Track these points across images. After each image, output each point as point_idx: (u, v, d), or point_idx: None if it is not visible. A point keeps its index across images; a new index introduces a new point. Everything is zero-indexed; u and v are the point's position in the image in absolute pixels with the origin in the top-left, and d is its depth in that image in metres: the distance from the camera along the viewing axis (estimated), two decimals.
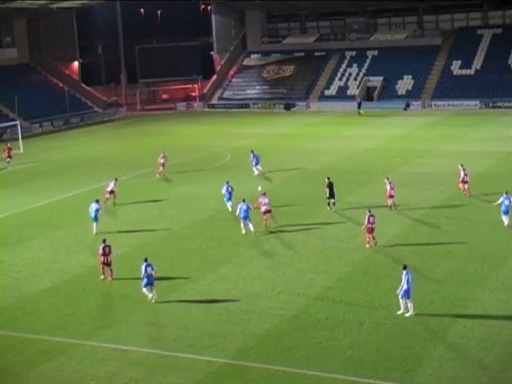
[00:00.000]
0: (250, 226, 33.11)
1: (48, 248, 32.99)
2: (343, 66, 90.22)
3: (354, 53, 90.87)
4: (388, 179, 36.92)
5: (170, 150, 59.42)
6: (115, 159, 56.60)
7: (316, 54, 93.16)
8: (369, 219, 30.54)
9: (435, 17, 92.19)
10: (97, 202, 34.70)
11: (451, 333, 22.27)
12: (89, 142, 68.02)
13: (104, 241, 27.93)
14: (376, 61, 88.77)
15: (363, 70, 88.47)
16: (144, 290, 25.85)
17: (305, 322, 23.64)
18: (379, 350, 21.34)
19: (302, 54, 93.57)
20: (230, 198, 37.06)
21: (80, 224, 36.39)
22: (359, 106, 79.10)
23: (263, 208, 33.65)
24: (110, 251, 27.66)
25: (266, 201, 33.76)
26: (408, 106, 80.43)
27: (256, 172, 46.97)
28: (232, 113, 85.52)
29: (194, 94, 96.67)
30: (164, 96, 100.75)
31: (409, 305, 23.72)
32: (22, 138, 64.55)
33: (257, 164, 47.14)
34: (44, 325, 24.24)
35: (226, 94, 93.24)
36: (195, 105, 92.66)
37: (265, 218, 33.67)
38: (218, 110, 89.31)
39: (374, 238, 30.74)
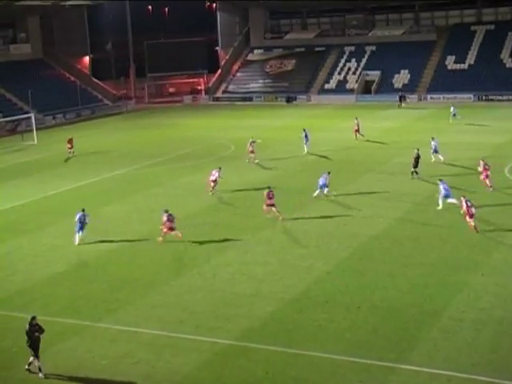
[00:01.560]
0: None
1: (63, 234, 32.99)
2: (342, 60, 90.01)
3: (352, 48, 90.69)
4: (483, 161, 37.03)
5: (177, 141, 59.74)
6: (125, 150, 56.55)
7: (316, 49, 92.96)
8: (467, 203, 30.28)
9: (431, 13, 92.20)
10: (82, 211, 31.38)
11: (445, 315, 22.30)
12: (99, 133, 68.03)
13: (167, 211, 30.18)
14: (374, 56, 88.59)
15: (361, 65, 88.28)
16: (76, 235, 30.26)
17: (305, 305, 23.68)
18: (376, 331, 21.40)
19: (303, 49, 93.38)
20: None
21: (93, 211, 36.36)
22: (401, 99, 76.03)
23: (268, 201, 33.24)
24: (173, 218, 29.89)
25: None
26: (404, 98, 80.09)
27: (305, 151, 49.10)
28: (236, 105, 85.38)
29: (199, 88, 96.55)
30: (171, 90, 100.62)
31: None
32: (36, 129, 64.58)
33: (306, 142, 49.33)
34: (59, 307, 24.34)
35: (231, 87, 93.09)
36: (201, 98, 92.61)
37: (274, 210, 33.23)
38: (222, 102, 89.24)
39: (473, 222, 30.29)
